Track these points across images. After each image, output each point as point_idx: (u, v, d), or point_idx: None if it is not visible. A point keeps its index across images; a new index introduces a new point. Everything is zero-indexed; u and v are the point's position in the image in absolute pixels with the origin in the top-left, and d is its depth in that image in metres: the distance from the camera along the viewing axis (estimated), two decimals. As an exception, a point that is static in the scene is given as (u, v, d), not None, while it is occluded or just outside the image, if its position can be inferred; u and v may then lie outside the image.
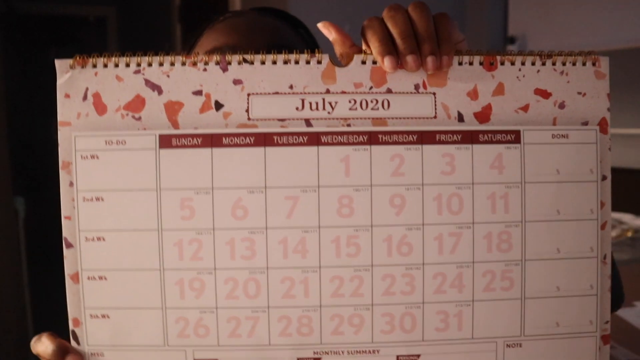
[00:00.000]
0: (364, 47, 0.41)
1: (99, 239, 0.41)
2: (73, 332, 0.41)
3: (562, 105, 0.42)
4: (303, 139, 0.41)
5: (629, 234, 1.43)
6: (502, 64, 0.41)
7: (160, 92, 0.40)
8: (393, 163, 0.41)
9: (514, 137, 0.42)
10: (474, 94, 0.41)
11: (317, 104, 0.41)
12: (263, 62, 0.40)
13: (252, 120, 0.40)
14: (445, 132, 0.41)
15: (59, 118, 0.40)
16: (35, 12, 2.26)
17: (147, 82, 0.40)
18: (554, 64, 0.42)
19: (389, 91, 0.41)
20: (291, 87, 0.41)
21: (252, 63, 0.40)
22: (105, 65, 0.40)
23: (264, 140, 0.40)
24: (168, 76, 0.40)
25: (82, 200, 0.40)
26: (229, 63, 0.40)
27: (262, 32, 0.54)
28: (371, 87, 0.41)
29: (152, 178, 0.40)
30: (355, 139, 0.41)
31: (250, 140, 0.40)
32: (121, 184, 0.40)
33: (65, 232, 0.41)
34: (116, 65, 0.40)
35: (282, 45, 0.47)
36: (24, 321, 1.85)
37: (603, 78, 0.42)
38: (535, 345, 0.42)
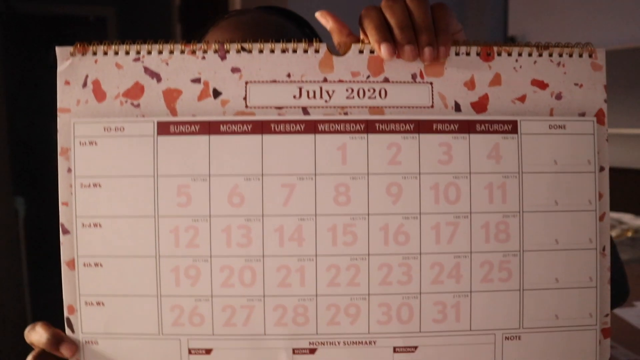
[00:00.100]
0: (361, 36, 0.42)
1: (95, 225, 0.41)
2: (68, 319, 0.41)
3: (559, 96, 0.42)
4: (300, 127, 0.41)
5: (629, 234, 1.41)
6: (499, 54, 0.42)
7: (159, 79, 0.41)
8: (390, 152, 0.41)
9: (511, 127, 0.42)
10: (471, 84, 0.42)
11: (314, 92, 0.41)
12: (261, 51, 0.41)
13: (249, 108, 0.41)
14: (442, 122, 0.41)
15: (59, 105, 0.40)
16: (35, 12, 2.28)
17: (146, 70, 0.41)
18: (550, 55, 0.42)
19: (386, 80, 0.41)
20: (289, 75, 0.41)
21: (250, 52, 0.41)
22: (105, 53, 0.41)
23: (261, 128, 0.41)
24: (167, 64, 0.41)
25: (79, 187, 0.41)
26: (228, 51, 0.41)
27: (267, 30, 0.54)
28: (368, 76, 0.41)
29: (150, 165, 0.40)
30: (352, 127, 0.41)
31: (247, 127, 0.41)
32: (119, 171, 0.40)
33: (62, 219, 0.41)
34: (116, 53, 0.41)
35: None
36: (24, 321, 1.84)
37: (600, 70, 0.42)
38: (534, 338, 0.42)
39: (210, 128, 0.41)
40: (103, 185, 0.40)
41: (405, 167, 0.41)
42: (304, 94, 0.41)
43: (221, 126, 0.41)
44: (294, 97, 0.41)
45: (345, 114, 0.41)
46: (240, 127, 0.41)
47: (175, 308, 0.41)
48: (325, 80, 0.41)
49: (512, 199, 0.41)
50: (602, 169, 0.42)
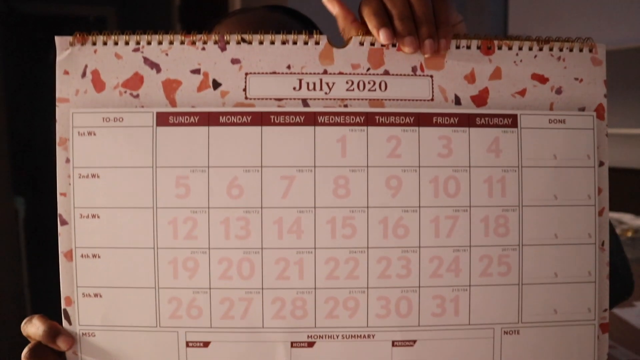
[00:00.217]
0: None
1: (93, 216, 0.40)
2: (65, 310, 0.41)
3: (559, 91, 0.42)
4: (300, 119, 0.41)
5: (629, 234, 1.42)
6: (500, 48, 0.42)
7: (158, 70, 0.40)
8: (389, 144, 0.41)
9: (511, 121, 0.42)
10: (471, 78, 0.41)
11: (314, 84, 0.41)
12: (261, 42, 0.41)
13: (249, 100, 0.41)
14: (442, 115, 0.41)
15: (58, 94, 0.40)
16: (35, 12, 2.28)
17: (146, 60, 0.40)
18: (551, 49, 0.42)
19: (387, 73, 0.41)
20: (289, 67, 0.41)
21: (250, 43, 0.41)
22: (105, 43, 0.40)
23: (261, 119, 0.40)
24: (167, 54, 0.40)
25: (77, 177, 0.40)
26: (228, 42, 0.41)
27: (271, 27, 0.54)
28: (369, 69, 0.41)
29: (149, 155, 0.40)
30: (352, 119, 0.41)
31: (247, 119, 0.40)
32: (117, 161, 0.40)
33: (60, 209, 0.40)
34: (115, 43, 0.40)
35: None
36: (24, 321, 1.82)
37: (600, 64, 0.42)
38: (532, 332, 0.42)
39: (209, 119, 0.40)
40: (101, 176, 0.40)
41: (404, 160, 0.41)
42: (304, 85, 0.41)
43: (220, 117, 0.40)
44: (294, 88, 0.41)
45: (345, 106, 0.41)
46: (239, 119, 0.40)
47: (173, 300, 0.40)
48: (325, 72, 0.41)
49: (512, 193, 0.41)
50: (601, 163, 0.42)
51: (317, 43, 0.41)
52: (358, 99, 0.41)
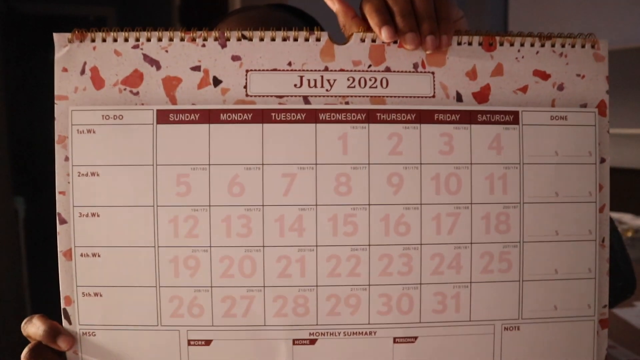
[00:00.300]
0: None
1: (93, 214, 0.40)
2: (64, 310, 0.41)
3: (561, 87, 0.42)
4: (301, 116, 0.40)
5: (629, 234, 1.42)
6: (502, 44, 0.41)
7: (158, 67, 0.40)
8: (391, 142, 0.41)
9: (513, 118, 0.41)
10: (472, 74, 0.41)
11: (315, 81, 0.40)
12: (262, 39, 0.40)
13: (250, 97, 0.40)
14: (444, 112, 0.41)
15: (56, 92, 0.40)
16: (35, 12, 2.27)
17: (146, 57, 0.40)
18: (553, 45, 0.42)
19: (388, 70, 0.41)
20: (290, 64, 0.40)
21: (250, 39, 0.40)
22: (104, 40, 0.40)
23: (262, 116, 0.40)
24: (166, 51, 0.40)
25: (77, 175, 0.40)
26: (228, 39, 0.40)
27: (273, 26, 0.53)
28: (370, 66, 0.41)
29: (149, 153, 0.40)
30: (354, 116, 0.41)
31: (248, 116, 0.40)
32: (117, 159, 0.40)
33: (59, 208, 0.40)
34: (115, 40, 0.40)
35: None
36: (24, 321, 1.82)
37: (602, 60, 0.42)
38: (533, 328, 0.42)
39: (210, 117, 0.40)
40: (101, 174, 0.40)
41: (406, 157, 0.41)
42: (305, 82, 0.40)
43: (221, 115, 0.40)
44: (295, 85, 0.40)
45: (347, 103, 0.41)
46: (240, 116, 0.40)
47: (174, 299, 0.40)
48: (326, 69, 0.41)
49: (513, 189, 0.41)
50: (602, 160, 0.42)
51: (318, 40, 0.41)
52: (359, 96, 0.41)
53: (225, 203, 0.40)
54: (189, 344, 0.41)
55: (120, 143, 0.40)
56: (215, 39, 0.40)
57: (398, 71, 0.41)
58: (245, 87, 0.40)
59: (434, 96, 0.41)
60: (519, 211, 0.41)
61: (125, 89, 0.40)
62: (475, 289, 0.41)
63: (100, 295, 0.40)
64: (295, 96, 0.40)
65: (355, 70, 0.41)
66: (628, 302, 1.00)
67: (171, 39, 0.40)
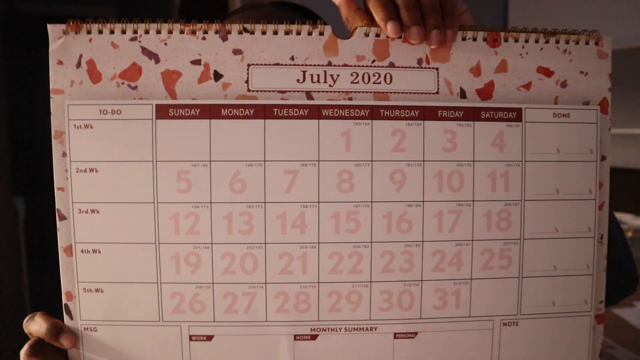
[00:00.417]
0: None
1: (93, 211, 0.39)
2: (66, 305, 0.40)
3: (564, 84, 0.42)
4: (304, 112, 0.40)
5: (629, 234, 1.44)
6: (506, 40, 0.41)
7: (157, 60, 0.39)
8: (394, 138, 0.40)
9: (516, 115, 0.41)
10: (476, 70, 0.41)
11: (318, 76, 0.40)
12: (264, 32, 0.39)
13: (251, 92, 0.40)
14: (447, 108, 0.41)
15: (52, 85, 0.39)
16: (35, 12, 2.21)
17: (144, 50, 0.39)
18: (557, 42, 0.41)
19: (392, 65, 0.40)
20: (292, 58, 0.40)
21: (252, 33, 0.39)
22: (100, 32, 0.39)
23: (264, 112, 0.40)
24: (166, 44, 0.39)
25: (75, 171, 0.39)
26: (229, 32, 0.39)
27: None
28: (374, 61, 0.40)
29: (148, 149, 0.39)
30: (357, 113, 0.40)
31: (249, 112, 0.39)
32: (116, 155, 0.39)
33: (58, 204, 0.39)
34: (112, 32, 0.39)
35: None
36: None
37: (605, 58, 0.42)
38: (531, 323, 0.42)
39: (211, 112, 0.39)
40: (100, 170, 0.39)
41: (409, 154, 0.41)
42: (308, 77, 0.40)
43: (222, 110, 0.39)
44: (298, 81, 0.40)
45: (350, 99, 0.40)
46: (242, 112, 0.39)
47: (175, 295, 0.40)
48: (329, 64, 0.40)
49: (515, 187, 0.41)
50: (603, 158, 0.42)
51: (321, 34, 0.40)
52: (363, 92, 0.40)
53: (227, 200, 0.40)
54: (190, 339, 0.41)
55: (119, 139, 0.39)
56: (216, 32, 0.39)
57: (402, 67, 0.40)
58: (246, 81, 0.40)
59: (437, 92, 0.41)
60: (520, 208, 0.42)
61: (123, 83, 0.39)
62: (475, 286, 0.42)
63: (102, 291, 0.40)
64: (298, 91, 0.40)
65: (358, 66, 0.40)
66: (628, 302, 1.01)
67: (170, 32, 0.39)
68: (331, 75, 0.40)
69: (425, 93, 0.41)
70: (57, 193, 0.39)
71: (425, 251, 0.41)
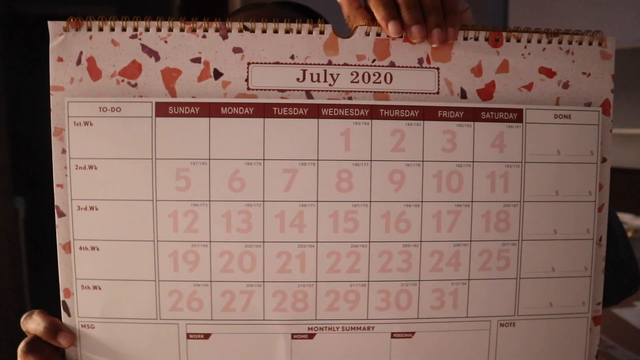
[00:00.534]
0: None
1: (91, 208, 0.40)
2: (64, 302, 0.40)
3: (566, 85, 0.41)
4: (303, 111, 0.40)
5: (629, 234, 1.44)
6: (508, 40, 0.41)
7: (157, 58, 0.39)
8: (394, 138, 0.40)
9: (516, 116, 0.41)
10: (478, 71, 0.41)
11: (318, 75, 0.40)
12: (264, 31, 0.39)
13: (251, 90, 0.39)
14: (448, 109, 0.41)
15: (52, 82, 0.39)
16: (35, 12, 2.20)
17: (144, 48, 0.39)
18: (560, 42, 0.41)
19: (392, 65, 0.40)
20: (292, 57, 0.39)
21: (253, 31, 0.39)
22: (101, 29, 0.39)
23: (264, 111, 0.39)
24: (166, 42, 0.39)
25: (74, 168, 0.39)
26: (229, 30, 0.39)
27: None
28: (374, 60, 0.40)
29: (148, 147, 0.39)
30: (356, 112, 0.40)
31: (249, 110, 0.39)
32: (115, 152, 0.39)
33: (57, 201, 0.39)
34: (112, 29, 0.39)
35: None
36: (24, 321, 1.82)
37: (609, 59, 0.42)
38: (528, 324, 0.42)
39: (210, 110, 0.39)
40: (99, 167, 0.39)
41: (408, 154, 0.40)
42: (308, 76, 0.40)
43: (222, 108, 0.39)
44: (298, 79, 0.40)
45: (350, 98, 0.40)
46: (241, 110, 0.39)
47: (173, 293, 0.40)
48: (329, 63, 0.40)
49: (514, 188, 0.41)
50: (604, 159, 0.42)
51: (321, 33, 0.40)
52: (362, 91, 0.40)
53: (226, 198, 0.40)
54: (188, 337, 0.41)
55: (118, 136, 0.39)
56: (216, 30, 0.39)
57: (402, 66, 0.40)
58: (246, 80, 0.39)
59: (438, 92, 0.41)
60: (519, 209, 0.42)
61: (123, 81, 0.39)
62: (473, 286, 0.42)
63: (100, 289, 0.40)
64: (298, 90, 0.40)
65: (359, 65, 0.40)
66: (628, 302, 1.01)
67: (170, 29, 0.39)
68: (331, 75, 0.40)
69: (426, 93, 0.40)
70: (56, 190, 0.39)
71: (423, 251, 0.41)
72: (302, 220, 0.40)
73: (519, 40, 0.41)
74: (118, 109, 0.39)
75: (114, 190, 0.39)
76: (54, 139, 0.39)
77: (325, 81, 0.40)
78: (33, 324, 0.39)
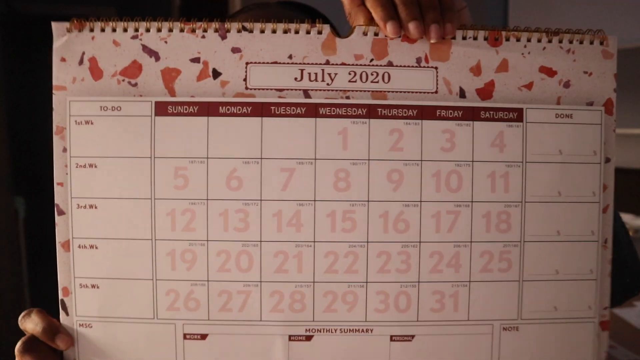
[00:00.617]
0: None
1: (91, 206, 0.40)
2: (62, 301, 0.41)
3: (567, 85, 0.41)
4: (301, 110, 0.40)
5: (629, 234, 1.41)
6: (508, 39, 0.41)
7: (157, 58, 0.40)
8: (392, 137, 0.40)
9: (517, 115, 0.41)
10: (477, 70, 0.40)
11: (316, 75, 0.40)
12: (262, 31, 0.40)
13: (249, 90, 0.40)
14: (446, 108, 0.40)
15: (54, 82, 0.39)
16: (35, 12, 2.25)
17: (145, 48, 0.40)
18: (560, 41, 0.41)
19: (390, 64, 0.40)
20: (290, 57, 0.40)
21: (251, 31, 0.40)
22: (103, 30, 0.40)
23: (261, 110, 0.40)
24: (166, 42, 0.40)
25: (75, 167, 0.40)
26: (228, 31, 0.40)
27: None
28: (372, 60, 0.40)
29: (147, 145, 0.40)
30: (354, 111, 0.40)
31: (247, 109, 0.40)
32: (115, 151, 0.40)
33: (57, 199, 0.40)
34: (113, 30, 0.40)
35: None
36: (24, 321, 1.83)
37: (610, 58, 0.41)
38: (532, 329, 0.41)
39: (209, 109, 0.40)
40: (99, 165, 0.40)
41: (407, 153, 0.40)
42: (306, 76, 0.40)
43: (220, 108, 0.40)
44: (296, 79, 0.40)
45: (347, 97, 0.40)
46: (239, 109, 0.40)
47: (170, 292, 0.40)
48: (327, 62, 0.40)
49: (515, 188, 0.41)
50: (607, 160, 0.41)
51: (319, 32, 0.40)
52: (360, 91, 0.40)
53: (223, 197, 0.40)
54: (184, 338, 0.40)
55: (118, 135, 0.40)
56: (216, 30, 0.40)
57: (400, 66, 0.40)
58: (245, 79, 0.40)
59: (436, 92, 0.40)
60: (521, 210, 0.41)
61: (123, 80, 0.40)
62: (474, 288, 0.41)
63: (97, 287, 0.40)
64: (296, 90, 0.40)
65: (356, 65, 0.40)
66: (628, 302, 0.99)
67: (170, 30, 0.40)
68: (329, 74, 0.40)
69: (424, 92, 0.40)
70: (56, 188, 0.40)
71: (422, 252, 0.41)
72: (300, 219, 0.40)
73: (518, 40, 0.41)
74: (118, 108, 0.39)
75: (113, 189, 0.40)
76: (55, 138, 0.40)
77: (323, 80, 0.40)
78: (31, 323, 0.39)
